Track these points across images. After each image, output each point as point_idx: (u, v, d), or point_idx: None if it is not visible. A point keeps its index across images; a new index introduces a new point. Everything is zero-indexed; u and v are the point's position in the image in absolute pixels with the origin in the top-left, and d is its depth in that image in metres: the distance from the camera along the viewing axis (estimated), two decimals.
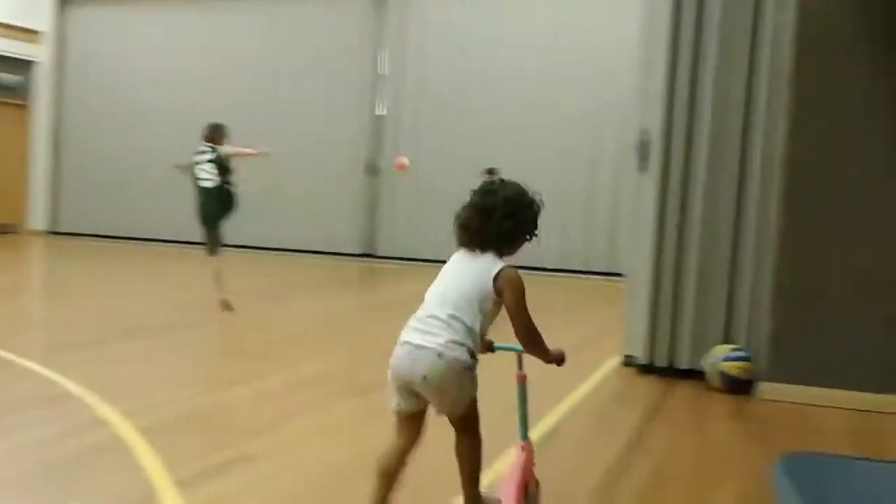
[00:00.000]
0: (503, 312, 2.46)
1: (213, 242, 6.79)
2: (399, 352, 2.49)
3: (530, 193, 2.54)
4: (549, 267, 10.63)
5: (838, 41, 4.50)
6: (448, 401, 2.46)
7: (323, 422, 3.85)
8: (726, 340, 4.93)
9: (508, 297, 2.42)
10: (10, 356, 4.76)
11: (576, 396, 4.54)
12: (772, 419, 4.23)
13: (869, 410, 4.39)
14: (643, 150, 5.22)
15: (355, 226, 11.97)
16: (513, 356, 2.67)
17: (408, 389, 2.48)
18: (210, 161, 6.81)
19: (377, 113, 12.09)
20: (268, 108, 12.34)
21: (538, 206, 2.54)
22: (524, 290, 2.44)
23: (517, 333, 2.47)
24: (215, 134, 7.03)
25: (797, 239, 4.60)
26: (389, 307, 7.93)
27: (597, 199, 10.71)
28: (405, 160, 8.89)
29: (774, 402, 4.49)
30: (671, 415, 4.29)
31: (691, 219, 5.05)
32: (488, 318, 2.46)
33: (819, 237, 4.56)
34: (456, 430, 2.55)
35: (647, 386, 4.88)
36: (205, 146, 6.91)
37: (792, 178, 4.61)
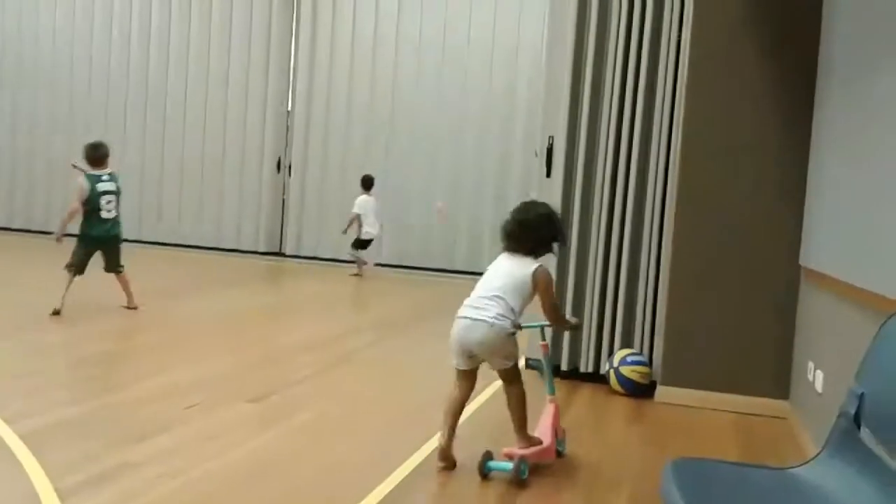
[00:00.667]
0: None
1: (118, 260, 6.48)
2: (458, 325, 3.35)
3: (554, 211, 3.65)
4: (460, 269, 10.70)
5: (729, 56, 4.68)
6: (498, 358, 3.36)
7: (211, 427, 3.74)
8: (626, 344, 5.07)
9: (542, 287, 3.38)
10: None
11: (480, 400, 4.56)
12: (667, 422, 4.36)
13: (757, 414, 4.58)
14: (548, 156, 5.30)
15: (263, 223, 11.73)
16: None
17: (466, 352, 3.35)
18: (114, 193, 6.36)
19: (287, 109, 11.87)
20: (175, 103, 11.97)
21: (559, 221, 3.62)
22: (552, 282, 3.52)
23: (545, 311, 3.46)
24: (102, 155, 6.43)
25: (689, 245, 4.76)
26: (291, 308, 7.82)
27: (507, 203, 10.81)
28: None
29: (671, 405, 4.63)
30: (572, 418, 4.36)
31: (594, 223, 5.17)
32: (524, 301, 3.37)
33: (710, 243, 4.73)
34: (505, 382, 3.44)
35: None
36: (103, 174, 6.32)
37: (685, 185, 4.76)
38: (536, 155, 5.42)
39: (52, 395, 4.08)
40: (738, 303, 4.69)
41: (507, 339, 3.31)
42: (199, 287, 8.45)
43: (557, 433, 3.58)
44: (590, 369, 5.12)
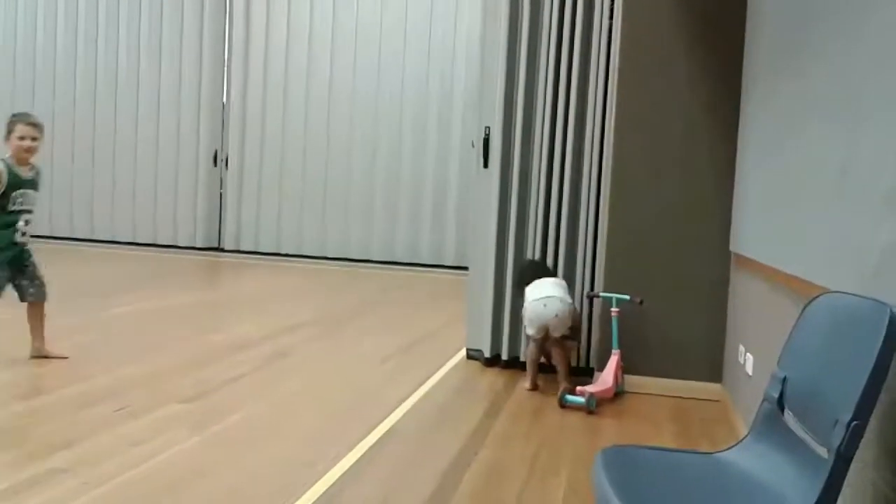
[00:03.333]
0: None
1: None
2: (537, 304, 4.64)
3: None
4: (400, 261, 10.69)
5: (659, 47, 4.74)
6: (563, 327, 4.65)
7: (139, 431, 3.64)
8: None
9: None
10: None
11: (419, 392, 4.55)
12: (604, 409, 4.41)
13: (693, 398, 4.67)
14: (485, 147, 5.30)
15: (201, 218, 11.51)
16: None
17: (542, 324, 4.63)
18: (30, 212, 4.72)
19: (223, 101, 11.65)
20: (109, 95, 11.65)
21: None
22: None
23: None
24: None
25: (623, 232, 4.82)
26: (228, 304, 7.68)
27: (445, 194, 10.82)
28: None
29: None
30: (512, 407, 4.38)
31: (531, 212, 5.19)
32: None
33: (644, 230, 4.80)
34: (557, 344, 4.71)
35: (491, 379, 4.97)
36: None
37: (619, 175, 4.82)
38: (473, 146, 5.42)
39: None
40: (672, 289, 4.77)
41: (571, 313, 4.69)
42: (133, 285, 8.24)
43: (618, 378, 4.62)
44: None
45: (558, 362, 4.72)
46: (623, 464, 2.16)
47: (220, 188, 11.55)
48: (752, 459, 2.26)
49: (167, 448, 3.42)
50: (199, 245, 11.43)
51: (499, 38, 5.19)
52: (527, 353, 4.87)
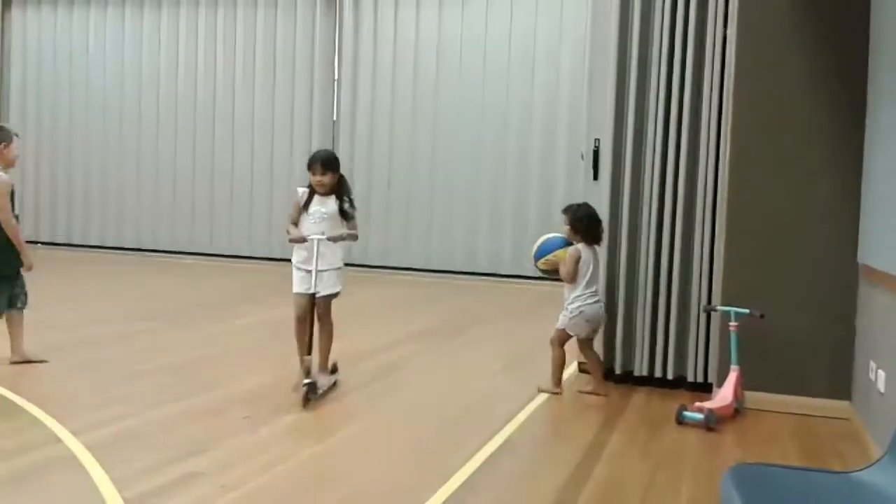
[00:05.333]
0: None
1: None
2: (596, 305, 4.82)
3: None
4: (504, 273, 10.69)
5: (777, 50, 4.59)
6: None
7: (264, 439, 3.78)
8: (680, 346, 4.99)
9: None
10: None
11: (532, 406, 4.54)
12: (725, 426, 4.28)
13: (818, 416, 4.47)
14: (594, 159, 5.26)
15: None
16: None
17: (596, 328, 4.89)
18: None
19: (333, 119, 11.99)
20: (220, 115, 12.20)
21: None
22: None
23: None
24: None
25: (743, 245, 4.67)
26: (339, 318, 7.87)
27: (551, 207, 10.76)
28: None
29: None
30: (627, 423, 4.32)
31: (643, 226, 5.11)
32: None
33: (764, 243, 4.64)
34: (588, 346, 4.87)
35: None
36: None
37: (738, 186, 4.68)
38: (583, 158, 5.39)
39: (115, 406, 4.16)
40: (795, 303, 4.58)
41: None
42: (254, 298, 8.56)
43: (738, 395, 4.43)
44: (644, 372, 5.06)
45: (597, 368, 4.85)
46: (755, 481, 2.11)
47: None
48: (890, 479, 2.16)
49: (290, 456, 3.54)
50: None
51: (608, 47, 5.14)
52: (556, 355, 4.81)
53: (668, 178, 5.05)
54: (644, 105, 5.10)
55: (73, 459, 3.34)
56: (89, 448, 3.45)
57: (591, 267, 4.80)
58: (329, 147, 11.79)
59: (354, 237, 4.62)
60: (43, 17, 13.27)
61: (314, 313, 4.56)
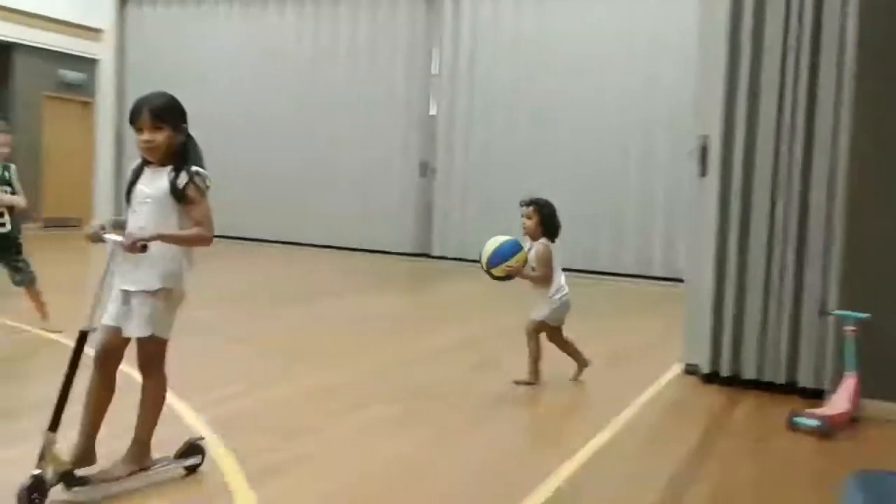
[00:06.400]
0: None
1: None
2: (568, 296, 4.80)
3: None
4: (603, 270, 10.55)
5: None
6: None
7: (364, 426, 3.86)
8: (793, 349, 4.80)
9: None
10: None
11: (635, 407, 4.47)
12: (841, 434, 4.10)
13: None
14: (702, 155, 5.12)
15: (409, 225, 12.01)
16: None
17: (563, 318, 4.85)
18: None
19: (430, 113, 12.10)
20: (320, 109, 12.47)
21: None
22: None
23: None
24: None
25: (866, 247, 4.46)
26: (436, 309, 7.94)
27: (652, 203, 10.56)
28: None
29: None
30: (734, 427, 4.20)
31: (754, 224, 4.94)
32: None
33: (889, 239, 4.41)
34: (559, 333, 4.89)
35: (711, 396, 4.78)
36: None
37: (856, 183, 4.47)
38: (690, 154, 5.25)
39: (231, 385, 4.33)
40: None
41: None
42: (352, 287, 8.74)
43: (855, 402, 4.23)
44: (752, 376, 4.90)
45: (573, 350, 4.89)
46: (880, 489, 2.01)
47: (429, 197, 11.98)
48: None
49: (386, 445, 3.59)
50: (408, 251, 11.92)
51: (719, 41, 4.98)
52: (535, 347, 4.76)
53: (781, 173, 4.86)
54: (756, 98, 4.91)
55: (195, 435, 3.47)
56: (209, 424, 3.60)
57: (558, 259, 4.83)
58: (427, 143, 11.90)
59: (191, 239, 2.92)
60: (158, 13, 13.87)
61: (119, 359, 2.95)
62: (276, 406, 4.09)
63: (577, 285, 9.63)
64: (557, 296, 4.75)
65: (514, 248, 4.49)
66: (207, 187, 2.91)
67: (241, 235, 12.66)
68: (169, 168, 2.88)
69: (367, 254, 11.85)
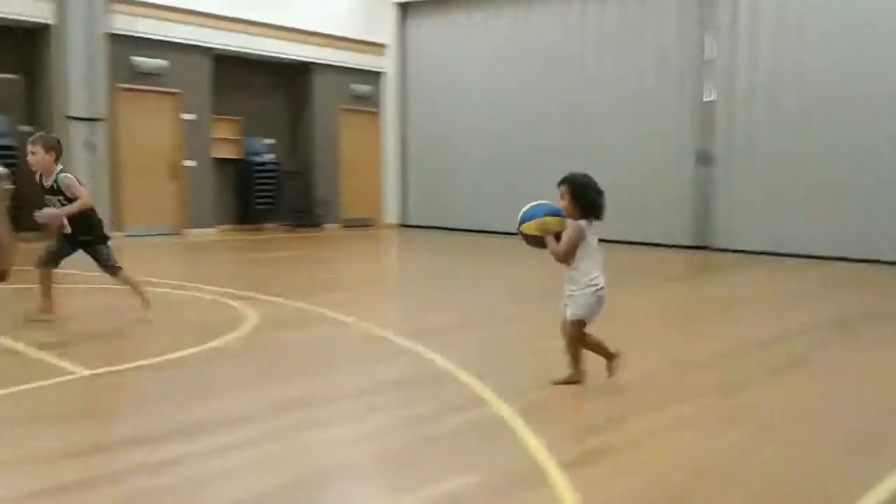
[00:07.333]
0: None
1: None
2: (603, 291, 4.10)
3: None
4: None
5: None
6: None
7: (676, 417, 3.78)
8: None
9: None
10: (388, 335, 5.33)
11: None
12: None
13: None
14: None
15: (687, 217, 11.63)
16: None
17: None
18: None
19: (705, 99, 11.61)
20: (591, 102, 12.46)
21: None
22: None
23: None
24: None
25: None
26: (732, 302, 7.60)
27: None
28: None
29: None
30: None
31: None
32: None
33: None
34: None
35: None
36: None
37: None
38: None
39: (538, 375, 4.45)
40: None
41: None
42: (638, 281, 8.64)
43: None
44: None
45: (597, 344, 4.21)
46: None
47: (706, 186, 11.51)
48: None
49: (699, 439, 3.49)
50: (686, 243, 11.54)
51: None
52: (574, 340, 4.15)
53: None
54: None
55: (503, 420, 3.63)
56: (518, 412, 3.73)
57: (593, 243, 4.09)
58: (704, 130, 11.44)
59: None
60: (433, 24, 14.70)
61: None
62: (586, 397, 4.11)
63: (884, 274, 8.87)
64: (592, 288, 4.06)
65: (550, 210, 4.11)
66: None
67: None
68: None
69: (640, 246, 11.64)
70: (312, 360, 4.83)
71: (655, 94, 11.83)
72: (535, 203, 4.16)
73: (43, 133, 6.11)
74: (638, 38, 12.01)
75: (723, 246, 11.25)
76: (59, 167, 5.58)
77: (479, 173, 13.82)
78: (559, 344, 4.23)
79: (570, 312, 4.11)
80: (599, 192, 4.06)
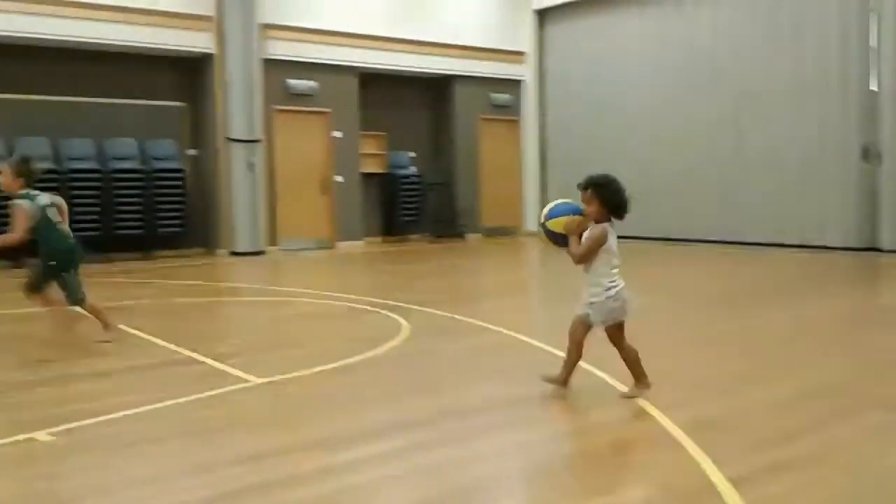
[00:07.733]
0: None
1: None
2: (624, 293, 3.94)
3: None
4: None
5: None
6: None
7: (846, 434, 3.54)
8: None
9: None
10: (540, 344, 5.31)
11: None
12: None
13: None
14: None
15: (851, 216, 10.90)
16: None
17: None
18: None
19: (871, 89, 10.85)
20: (743, 98, 11.94)
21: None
22: None
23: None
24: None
25: None
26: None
27: None
28: None
29: None
30: None
31: None
32: None
33: None
34: (620, 337, 4.03)
35: None
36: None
37: None
38: None
39: (695, 389, 4.31)
40: None
41: None
42: (799, 287, 8.20)
43: None
44: None
45: (635, 359, 4.00)
46: None
47: (875, 183, 10.76)
48: None
49: (883, 454, 3.26)
50: (850, 245, 10.83)
51: None
52: (576, 344, 4.01)
53: None
54: None
55: (668, 435, 3.53)
56: (682, 427, 3.61)
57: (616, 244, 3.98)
58: (870, 122, 10.71)
59: None
60: (572, 28, 14.56)
61: None
62: (754, 409, 3.95)
63: None
64: (612, 292, 3.92)
65: (575, 209, 4.00)
66: None
67: (669, 237, 12.63)
68: None
69: (802, 250, 11.02)
70: (468, 369, 4.89)
71: (814, 84, 11.15)
72: (559, 201, 4.12)
73: (21, 156, 5.74)
74: (794, 26, 11.38)
75: (893, 248, 10.45)
76: (24, 192, 5.25)
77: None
78: (727, 352, 4.07)
79: (592, 318, 3.99)
80: (625, 191, 3.99)
